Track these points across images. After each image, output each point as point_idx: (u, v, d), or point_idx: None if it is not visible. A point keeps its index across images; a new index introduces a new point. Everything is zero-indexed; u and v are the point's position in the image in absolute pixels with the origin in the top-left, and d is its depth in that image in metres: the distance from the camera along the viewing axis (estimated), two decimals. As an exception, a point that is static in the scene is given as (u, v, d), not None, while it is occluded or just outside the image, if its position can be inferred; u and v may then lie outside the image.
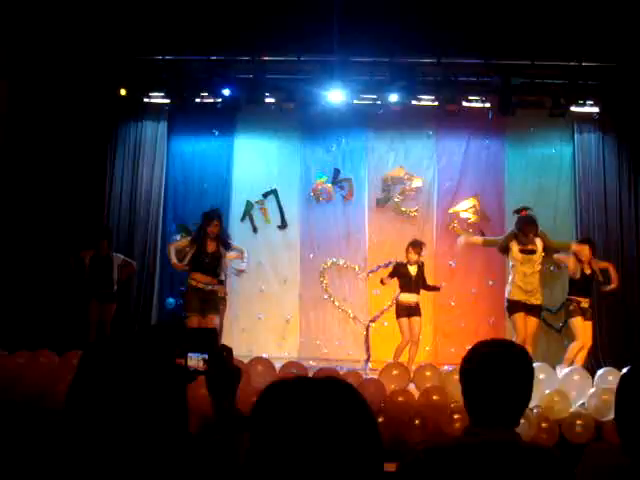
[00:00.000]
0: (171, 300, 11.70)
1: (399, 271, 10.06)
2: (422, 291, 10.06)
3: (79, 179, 11.15)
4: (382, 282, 10.29)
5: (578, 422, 7.28)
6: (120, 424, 1.68)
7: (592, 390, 7.65)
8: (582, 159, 11.72)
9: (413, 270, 10.01)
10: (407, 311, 9.91)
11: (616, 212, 11.41)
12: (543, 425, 7.21)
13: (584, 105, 10.95)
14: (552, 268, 11.70)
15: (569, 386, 7.83)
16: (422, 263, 10.17)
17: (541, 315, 9.99)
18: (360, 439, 1.40)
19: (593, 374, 8.40)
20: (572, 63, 10.56)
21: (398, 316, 9.99)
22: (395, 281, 10.13)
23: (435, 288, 10.32)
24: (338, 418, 1.39)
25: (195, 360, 2.38)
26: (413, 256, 10.00)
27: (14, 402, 7.04)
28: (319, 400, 1.41)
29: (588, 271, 9.47)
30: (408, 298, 9.94)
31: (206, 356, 2.36)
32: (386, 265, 11.47)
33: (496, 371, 2.43)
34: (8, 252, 10.71)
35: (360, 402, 1.45)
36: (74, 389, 1.75)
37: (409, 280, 9.97)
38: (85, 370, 1.76)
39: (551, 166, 12.02)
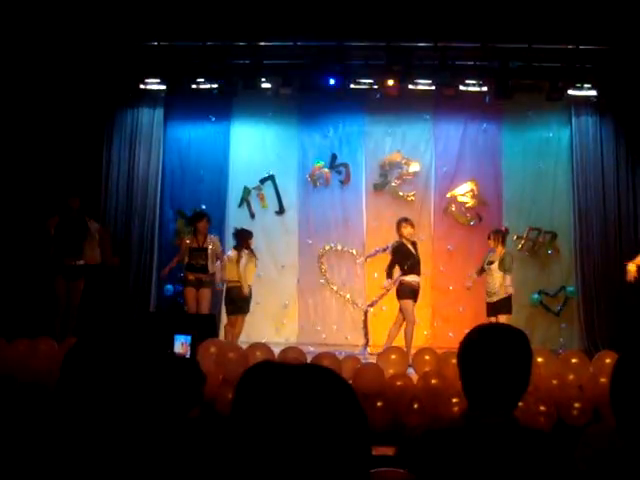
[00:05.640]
0: (169, 287, 11.70)
1: (401, 251, 10.02)
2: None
3: (76, 166, 11.11)
4: (386, 288, 10.34)
5: (576, 405, 7.31)
6: (113, 407, 1.70)
7: (590, 373, 7.67)
8: (580, 142, 11.71)
9: (412, 248, 10.01)
10: (412, 293, 9.89)
11: (614, 195, 11.41)
12: (541, 408, 7.24)
13: (581, 89, 10.93)
14: (549, 252, 11.75)
15: (567, 369, 7.86)
16: (415, 242, 10.19)
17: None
18: (343, 424, 1.40)
19: (591, 357, 8.44)
20: (569, 46, 10.53)
21: (402, 297, 9.91)
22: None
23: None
24: (320, 402, 1.39)
25: (180, 344, 2.41)
26: (409, 229, 10.01)
27: (15, 391, 7.06)
28: (301, 384, 1.41)
29: None
30: (414, 279, 9.93)
31: (190, 339, 2.38)
32: (384, 250, 11.48)
33: (494, 355, 2.44)
34: (5, 240, 10.68)
35: (343, 387, 1.45)
36: (65, 375, 1.76)
37: (414, 260, 9.96)
38: (78, 357, 1.77)
39: (548, 150, 12.02)
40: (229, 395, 6.71)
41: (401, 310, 9.92)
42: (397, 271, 10.06)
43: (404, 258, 10.00)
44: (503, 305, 9.82)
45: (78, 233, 9.93)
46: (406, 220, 10.12)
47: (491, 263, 9.92)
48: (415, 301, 9.93)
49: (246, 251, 10.10)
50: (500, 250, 9.98)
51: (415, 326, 9.94)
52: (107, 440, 1.69)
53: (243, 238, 10.21)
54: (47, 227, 9.90)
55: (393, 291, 10.36)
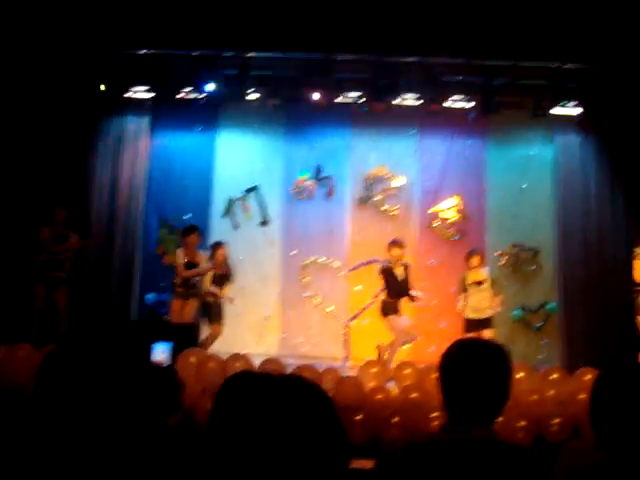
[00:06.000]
0: (150, 296, 11.65)
1: (386, 277, 10.05)
2: None
3: (61, 174, 11.03)
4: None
5: (555, 421, 7.32)
6: (89, 413, 1.68)
7: (570, 389, 7.69)
8: (563, 160, 11.77)
9: (400, 272, 10.01)
10: (393, 309, 9.93)
11: (596, 213, 11.47)
12: (521, 423, 7.25)
13: (565, 107, 11.01)
14: (531, 268, 11.79)
15: (547, 385, 7.88)
16: (408, 265, 10.19)
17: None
18: (322, 437, 1.39)
19: (571, 373, 8.47)
20: (554, 65, 10.62)
21: (386, 314, 9.96)
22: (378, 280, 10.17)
23: (414, 299, 10.25)
24: (298, 414, 1.38)
25: (159, 353, 2.39)
26: (396, 251, 10.01)
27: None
28: (279, 395, 1.40)
29: None
30: (395, 300, 9.98)
31: (170, 347, 2.36)
32: (367, 263, 11.50)
33: (474, 369, 2.44)
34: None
35: (323, 400, 1.44)
36: (41, 382, 1.74)
37: (395, 285, 9.97)
38: (54, 364, 1.76)
39: (532, 166, 12.08)
40: (208, 405, 6.68)
41: (388, 328, 9.96)
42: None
43: (389, 284, 10.04)
44: (488, 321, 9.88)
45: (62, 246, 10.04)
46: (394, 242, 10.12)
47: (480, 283, 9.97)
48: (397, 313, 9.94)
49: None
50: (482, 270, 10.04)
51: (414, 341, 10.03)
52: (84, 446, 1.67)
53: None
54: (41, 237, 9.98)
55: (375, 305, 10.38)
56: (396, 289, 9.97)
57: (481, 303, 9.90)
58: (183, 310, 10.05)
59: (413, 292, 10.10)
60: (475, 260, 10.09)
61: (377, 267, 10.42)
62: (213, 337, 10.27)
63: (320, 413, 1.41)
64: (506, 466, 2.31)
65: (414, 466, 2.31)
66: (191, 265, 10.03)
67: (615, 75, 10.50)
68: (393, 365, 9.10)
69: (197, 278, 10.14)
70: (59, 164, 11.03)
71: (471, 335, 9.33)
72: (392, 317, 9.88)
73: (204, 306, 10.23)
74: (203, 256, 10.22)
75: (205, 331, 10.32)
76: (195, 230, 10.24)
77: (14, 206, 10.75)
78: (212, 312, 10.32)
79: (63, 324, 10.05)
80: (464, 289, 10.11)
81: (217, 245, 10.46)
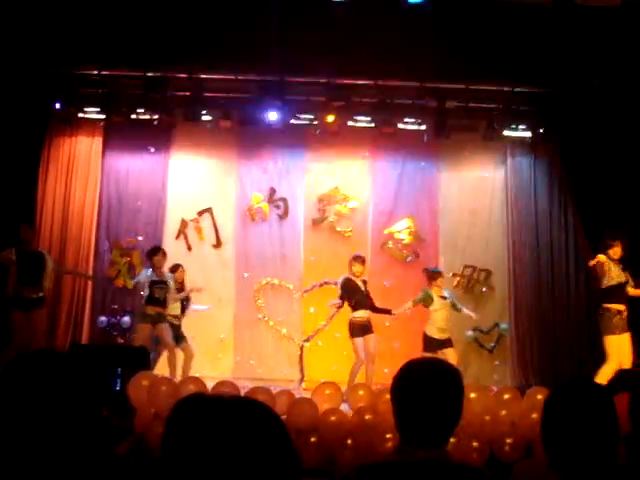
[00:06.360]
0: (103, 319, 11.53)
1: (349, 287, 10.03)
2: None
3: (9, 194, 10.85)
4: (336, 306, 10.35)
5: (508, 441, 7.36)
6: (35, 439, 1.65)
7: (522, 408, 7.74)
8: (514, 181, 11.95)
9: (361, 285, 10.05)
10: (362, 329, 9.88)
11: (547, 234, 11.65)
12: (474, 444, 7.28)
13: (516, 130, 11.17)
14: (484, 289, 11.90)
15: (500, 405, 7.92)
16: (365, 281, 10.22)
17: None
18: (273, 458, 1.38)
19: (524, 393, 8.53)
20: (505, 88, 10.78)
21: (352, 335, 9.93)
22: (335, 298, 10.17)
23: (386, 311, 10.24)
24: (250, 436, 1.37)
25: (111, 376, 2.37)
26: (358, 268, 10.04)
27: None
28: (231, 417, 1.39)
29: None
30: (362, 315, 9.94)
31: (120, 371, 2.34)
32: (321, 285, 11.51)
33: (426, 390, 2.44)
34: None
35: (275, 422, 1.43)
36: None
37: (362, 296, 9.98)
38: (3, 384, 1.72)
39: (484, 188, 12.23)
40: (160, 429, 6.60)
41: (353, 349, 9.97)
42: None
43: (351, 293, 10.03)
44: (450, 341, 9.95)
45: (37, 265, 9.80)
46: (356, 258, 10.15)
47: (445, 298, 10.01)
48: (366, 334, 9.91)
49: None
50: (444, 290, 10.09)
51: (375, 360, 9.93)
52: (31, 475, 1.63)
53: None
54: (5, 259, 9.64)
55: (329, 327, 10.38)
56: (358, 298, 9.96)
57: (443, 323, 9.91)
58: (159, 335, 9.97)
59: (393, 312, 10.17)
60: (440, 280, 10.11)
61: (338, 281, 10.35)
62: (190, 357, 10.33)
63: (271, 435, 1.40)
64: (459, 486, 2.32)
65: (367, 487, 2.30)
66: (160, 282, 9.94)
67: (565, 98, 10.70)
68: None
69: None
70: (7, 184, 10.84)
71: (429, 355, 9.34)
72: (356, 340, 9.88)
73: (172, 328, 10.17)
74: (170, 276, 10.22)
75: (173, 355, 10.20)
76: (160, 250, 10.21)
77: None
78: (179, 333, 10.34)
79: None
80: (424, 304, 10.05)
81: (176, 267, 10.44)
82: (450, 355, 9.69)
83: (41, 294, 9.84)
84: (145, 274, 10.05)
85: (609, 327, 9.09)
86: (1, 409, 1.68)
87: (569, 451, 2.38)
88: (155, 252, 10.13)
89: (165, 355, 10.16)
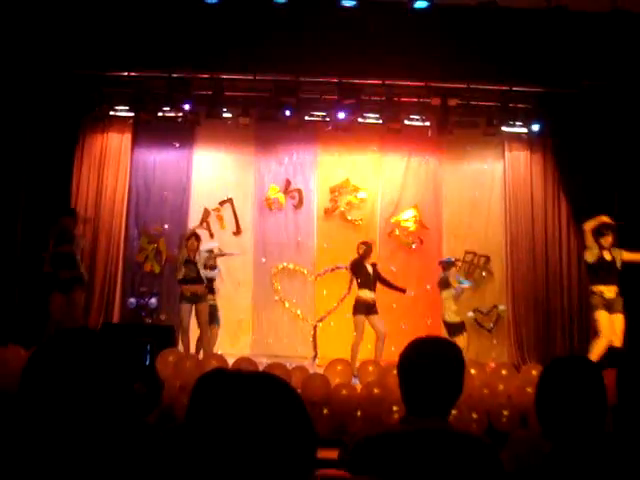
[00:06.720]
0: (132, 300, 11.59)
1: (356, 266, 10.06)
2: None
3: (46, 187, 10.89)
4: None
5: (505, 412, 7.38)
6: (73, 410, 1.67)
7: (518, 383, 7.76)
8: (512, 174, 11.92)
9: (369, 268, 10.05)
10: (365, 308, 9.86)
11: (542, 222, 11.62)
12: (473, 415, 7.30)
13: (514, 126, 11.14)
14: (483, 274, 11.89)
15: (497, 380, 7.93)
16: (375, 264, 10.23)
17: None
18: (291, 428, 1.39)
19: (519, 369, 8.55)
20: (504, 87, 10.75)
21: (355, 312, 9.93)
22: (346, 282, 10.20)
23: (400, 289, 10.29)
24: (269, 407, 1.38)
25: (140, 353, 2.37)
26: (362, 249, 10.06)
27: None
28: (250, 390, 1.40)
29: None
30: (367, 295, 9.92)
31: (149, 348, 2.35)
32: (333, 269, 11.53)
33: (430, 365, 2.46)
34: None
35: (291, 394, 1.45)
36: (26, 379, 1.72)
37: (367, 277, 9.98)
38: (38, 363, 1.74)
39: (484, 180, 12.21)
40: (186, 400, 6.65)
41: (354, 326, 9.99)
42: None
43: (358, 272, 10.05)
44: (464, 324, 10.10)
45: (73, 250, 9.86)
46: (363, 243, 10.17)
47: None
48: (370, 314, 9.91)
49: None
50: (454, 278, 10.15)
51: (385, 338, 9.91)
52: (67, 442, 1.66)
53: None
54: (48, 243, 9.77)
55: (340, 308, 10.42)
56: (365, 278, 9.96)
57: (458, 306, 10.01)
58: (197, 315, 9.95)
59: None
60: (454, 270, 10.19)
61: (348, 263, 10.37)
62: (214, 341, 10.36)
63: (289, 406, 1.42)
64: (460, 453, 2.33)
65: (375, 454, 2.33)
66: (190, 262, 9.93)
67: (559, 97, 10.68)
68: (357, 364, 9.10)
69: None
70: (45, 178, 10.90)
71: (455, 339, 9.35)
72: (358, 317, 9.89)
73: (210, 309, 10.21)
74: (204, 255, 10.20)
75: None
76: (192, 235, 10.14)
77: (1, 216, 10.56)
78: (214, 313, 10.36)
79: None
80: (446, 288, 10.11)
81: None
82: (460, 340, 9.73)
83: (76, 274, 9.87)
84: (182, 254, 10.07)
85: (596, 305, 9.02)
86: (42, 379, 1.70)
87: (560, 421, 2.39)
88: (188, 237, 10.15)
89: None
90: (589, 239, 9.03)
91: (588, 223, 9.10)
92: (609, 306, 8.95)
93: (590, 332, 9.55)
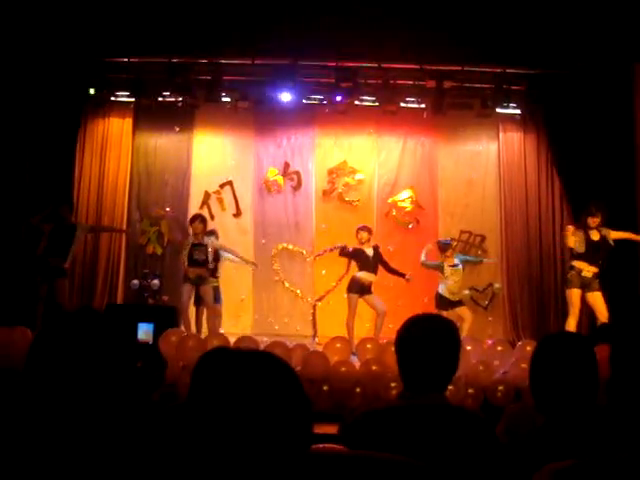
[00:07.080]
0: (135, 282, 11.61)
1: (354, 253, 10.07)
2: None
3: (49, 172, 10.89)
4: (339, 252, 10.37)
5: (500, 388, 7.42)
6: (78, 389, 1.68)
7: (513, 360, 7.79)
8: (506, 155, 11.89)
9: (369, 251, 10.05)
10: (359, 288, 9.87)
11: (535, 203, 11.61)
12: (469, 391, 7.35)
13: (508, 107, 11.10)
14: (479, 252, 11.91)
15: (493, 356, 7.97)
16: (378, 246, 10.23)
17: None
18: (287, 404, 1.41)
19: (514, 346, 8.58)
20: (498, 70, 10.72)
21: (349, 290, 9.94)
22: (344, 262, 10.23)
23: (400, 274, 10.24)
24: (266, 384, 1.40)
25: (144, 332, 2.38)
26: (364, 235, 10.04)
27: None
28: (250, 367, 1.42)
29: None
30: (365, 276, 9.91)
31: (152, 328, 2.36)
32: (331, 250, 11.52)
33: (427, 342, 2.47)
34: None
35: (288, 371, 1.46)
36: (32, 359, 1.73)
37: (367, 260, 9.98)
38: (44, 342, 1.75)
39: (479, 161, 12.19)
40: (188, 379, 6.67)
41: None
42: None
43: (356, 257, 10.06)
44: (460, 302, 10.14)
45: (67, 239, 9.85)
46: (361, 228, 10.16)
47: (456, 266, 10.04)
48: (363, 294, 9.93)
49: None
50: (452, 259, 10.12)
51: (385, 316, 9.91)
52: (73, 420, 1.67)
53: None
54: (41, 230, 9.78)
55: (339, 287, 10.44)
56: (364, 262, 9.97)
57: (455, 287, 9.98)
58: (201, 296, 10.03)
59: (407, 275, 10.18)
60: (450, 252, 10.16)
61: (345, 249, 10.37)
62: (220, 316, 10.44)
63: (285, 382, 1.43)
64: (457, 427, 2.35)
65: (373, 428, 2.34)
66: (199, 245, 9.92)
67: (551, 78, 10.65)
68: (355, 341, 9.14)
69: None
70: (48, 162, 10.89)
71: (443, 313, 9.35)
72: (351, 295, 9.92)
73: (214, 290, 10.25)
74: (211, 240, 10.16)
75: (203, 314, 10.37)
76: (197, 218, 10.13)
77: (3, 202, 10.52)
78: (217, 294, 10.39)
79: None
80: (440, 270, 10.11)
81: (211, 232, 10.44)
82: (465, 313, 9.94)
83: (66, 265, 9.88)
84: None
85: (571, 281, 9.04)
86: (48, 358, 1.71)
87: (553, 395, 2.41)
88: (192, 220, 10.14)
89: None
90: (570, 239, 9.03)
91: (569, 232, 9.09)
92: (585, 285, 8.94)
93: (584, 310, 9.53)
